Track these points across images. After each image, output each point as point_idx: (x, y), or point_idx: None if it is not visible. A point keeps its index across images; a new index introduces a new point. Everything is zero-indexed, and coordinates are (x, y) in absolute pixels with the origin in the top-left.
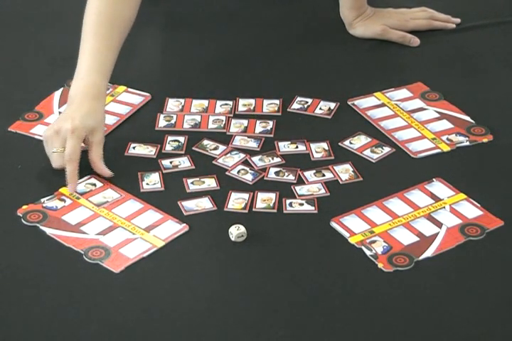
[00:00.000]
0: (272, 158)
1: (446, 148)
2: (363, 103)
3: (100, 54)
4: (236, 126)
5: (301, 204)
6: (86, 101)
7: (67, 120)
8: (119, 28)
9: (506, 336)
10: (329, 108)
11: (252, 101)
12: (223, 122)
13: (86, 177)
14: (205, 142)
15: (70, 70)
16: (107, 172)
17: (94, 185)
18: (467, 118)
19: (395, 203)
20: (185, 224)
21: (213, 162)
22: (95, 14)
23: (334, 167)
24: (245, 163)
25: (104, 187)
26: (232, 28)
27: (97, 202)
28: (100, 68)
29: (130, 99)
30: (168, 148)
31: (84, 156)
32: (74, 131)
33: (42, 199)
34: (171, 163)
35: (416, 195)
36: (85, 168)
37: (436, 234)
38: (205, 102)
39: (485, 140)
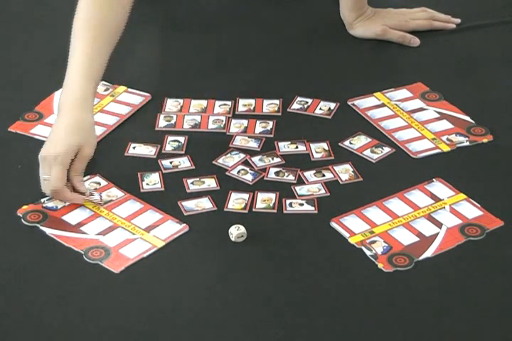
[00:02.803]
0: (272, 158)
1: (446, 148)
2: (363, 103)
3: (88, 59)
4: (236, 126)
5: (301, 205)
6: (71, 112)
7: (53, 144)
8: (108, 33)
9: (506, 336)
10: (329, 108)
11: (252, 101)
12: (223, 122)
13: (91, 176)
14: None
15: None
16: (76, 197)
17: (99, 183)
18: (467, 118)
19: (394, 203)
20: (185, 224)
21: (213, 162)
22: (84, 19)
23: (334, 167)
24: (245, 163)
25: (108, 186)
26: (232, 28)
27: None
28: (87, 73)
29: (130, 99)
30: (168, 148)
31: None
32: (56, 157)
33: (42, 199)
34: (171, 163)
35: (416, 195)
36: (89, 167)
37: (436, 234)
38: (203, 102)
39: (485, 140)
